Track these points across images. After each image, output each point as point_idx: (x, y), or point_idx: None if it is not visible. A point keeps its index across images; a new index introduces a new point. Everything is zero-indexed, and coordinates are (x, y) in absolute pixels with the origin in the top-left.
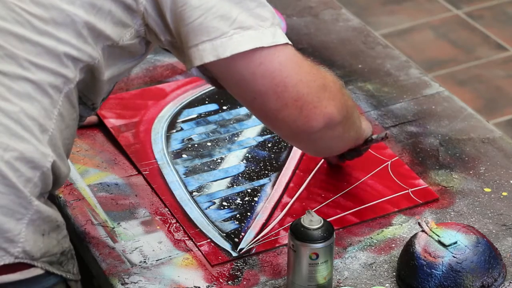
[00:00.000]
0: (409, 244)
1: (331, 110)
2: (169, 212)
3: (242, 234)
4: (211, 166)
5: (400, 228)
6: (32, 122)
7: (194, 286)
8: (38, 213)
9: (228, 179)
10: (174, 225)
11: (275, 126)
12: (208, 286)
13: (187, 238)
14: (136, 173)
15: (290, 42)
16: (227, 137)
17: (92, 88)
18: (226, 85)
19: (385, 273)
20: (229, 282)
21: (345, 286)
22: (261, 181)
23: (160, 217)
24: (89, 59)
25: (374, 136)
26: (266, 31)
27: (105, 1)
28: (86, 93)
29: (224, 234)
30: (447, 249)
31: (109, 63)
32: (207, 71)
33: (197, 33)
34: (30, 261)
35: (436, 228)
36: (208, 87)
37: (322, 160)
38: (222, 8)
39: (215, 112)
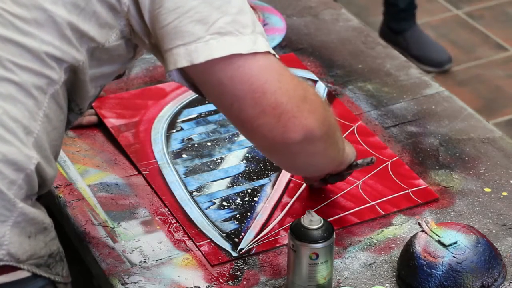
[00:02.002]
0: (409, 244)
1: (312, 122)
2: (169, 212)
3: (242, 234)
4: (211, 166)
5: (400, 228)
6: (15, 124)
7: (194, 286)
8: (23, 215)
9: (228, 179)
10: (174, 225)
11: (252, 136)
12: (208, 286)
13: (187, 238)
14: (136, 173)
15: (273, 52)
16: (227, 137)
17: (78, 91)
18: (204, 90)
19: (385, 273)
20: (229, 282)
21: (345, 286)
22: (261, 181)
23: (160, 217)
24: (73, 61)
25: (359, 161)
26: (245, 38)
27: (89, 2)
28: (74, 97)
29: (224, 234)
30: (447, 249)
31: (94, 65)
32: (188, 77)
33: (172, 37)
34: (15, 263)
35: (436, 228)
36: None
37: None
38: (200, 12)
39: (215, 111)
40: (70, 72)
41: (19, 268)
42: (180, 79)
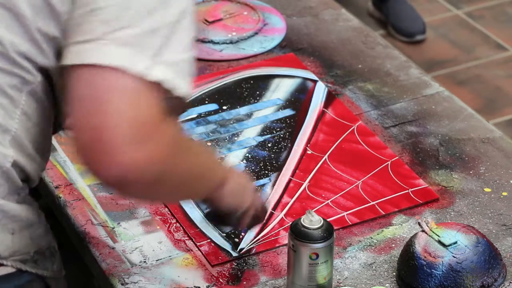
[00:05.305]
0: (409, 244)
1: (136, 159)
2: (169, 212)
3: (242, 234)
4: None
5: (400, 228)
6: None
7: (194, 286)
8: (3, 212)
9: None
10: (174, 225)
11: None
12: (208, 286)
13: (187, 238)
14: None
15: (168, 87)
16: (227, 137)
17: (55, 91)
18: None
19: (385, 273)
20: (229, 282)
21: (345, 286)
22: (261, 181)
23: (160, 217)
24: (45, 62)
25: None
26: (143, 58)
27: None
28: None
29: (224, 234)
30: (447, 249)
31: None
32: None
33: (73, 32)
34: None
35: (436, 228)
36: (208, 87)
37: (323, 160)
38: (108, 14)
39: (215, 112)
40: (45, 72)
41: (2, 264)
42: None
